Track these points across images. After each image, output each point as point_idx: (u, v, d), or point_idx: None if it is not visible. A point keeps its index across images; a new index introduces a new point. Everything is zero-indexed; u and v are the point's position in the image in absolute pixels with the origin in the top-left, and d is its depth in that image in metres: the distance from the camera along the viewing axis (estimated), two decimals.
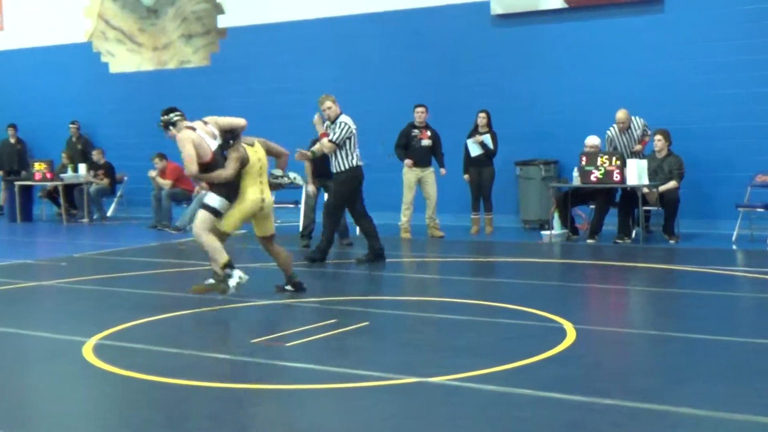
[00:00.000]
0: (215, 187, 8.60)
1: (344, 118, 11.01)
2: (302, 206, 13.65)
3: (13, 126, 19.35)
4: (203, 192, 15.25)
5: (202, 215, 8.56)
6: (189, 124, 8.68)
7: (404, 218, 13.72)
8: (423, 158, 13.65)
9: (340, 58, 16.27)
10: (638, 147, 13.00)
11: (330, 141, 10.90)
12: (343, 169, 11.02)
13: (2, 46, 20.23)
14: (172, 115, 8.83)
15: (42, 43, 19.58)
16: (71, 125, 18.81)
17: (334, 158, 11.05)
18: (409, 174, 13.65)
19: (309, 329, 7.37)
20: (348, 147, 10.95)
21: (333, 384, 5.76)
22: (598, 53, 14.28)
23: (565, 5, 14.35)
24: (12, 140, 19.44)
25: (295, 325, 7.57)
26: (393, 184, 14.24)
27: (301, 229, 13.20)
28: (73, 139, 18.97)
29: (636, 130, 13.05)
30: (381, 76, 15.93)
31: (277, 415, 5.27)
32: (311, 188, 12.88)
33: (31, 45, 19.74)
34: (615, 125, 13.12)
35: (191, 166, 8.42)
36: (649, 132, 13.05)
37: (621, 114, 13.02)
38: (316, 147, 11.35)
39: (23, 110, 19.49)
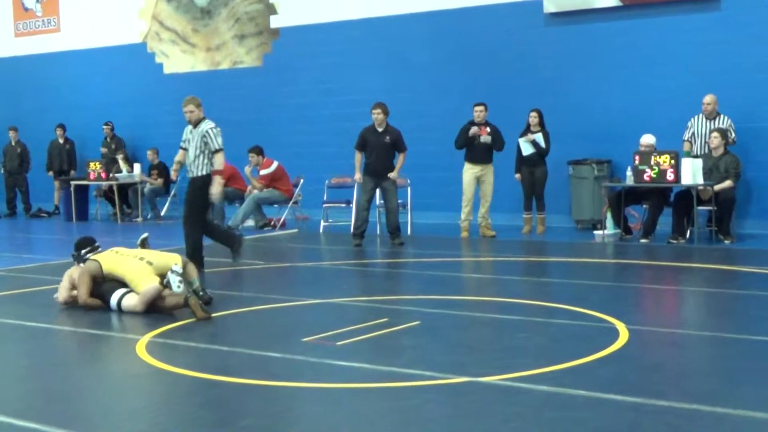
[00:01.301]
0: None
1: (211, 123, 10.66)
2: (354, 206, 13.66)
3: (62, 126, 19.59)
4: (255, 192, 15.42)
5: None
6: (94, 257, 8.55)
7: (464, 216, 13.63)
8: (482, 155, 13.53)
9: (391, 59, 16.25)
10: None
11: (217, 150, 10.51)
12: (200, 174, 10.64)
13: (59, 47, 20.48)
14: (83, 252, 8.71)
15: (97, 45, 19.81)
16: (105, 126, 19.02)
17: (195, 163, 10.58)
18: (469, 171, 13.56)
19: (360, 328, 7.36)
20: (207, 153, 10.58)
21: (384, 383, 5.74)
22: (652, 52, 14.11)
23: (619, 3, 14.19)
24: (60, 140, 19.69)
25: (346, 324, 7.55)
26: (452, 182, 14.22)
27: (352, 229, 13.21)
28: (108, 139, 19.28)
29: (721, 124, 12.83)
30: (431, 77, 15.88)
31: (327, 414, 5.26)
32: (358, 176, 12.88)
33: (87, 46, 19.98)
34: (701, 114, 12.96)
35: (81, 295, 8.34)
36: (733, 135, 12.81)
37: (707, 97, 12.84)
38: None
39: (79, 111, 19.73)
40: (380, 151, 12.86)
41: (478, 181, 13.56)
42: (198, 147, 10.57)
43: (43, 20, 20.71)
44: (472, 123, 13.53)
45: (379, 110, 12.81)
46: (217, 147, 10.52)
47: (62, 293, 8.55)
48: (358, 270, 11.42)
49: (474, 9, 15.47)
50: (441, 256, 11.60)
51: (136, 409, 5.56)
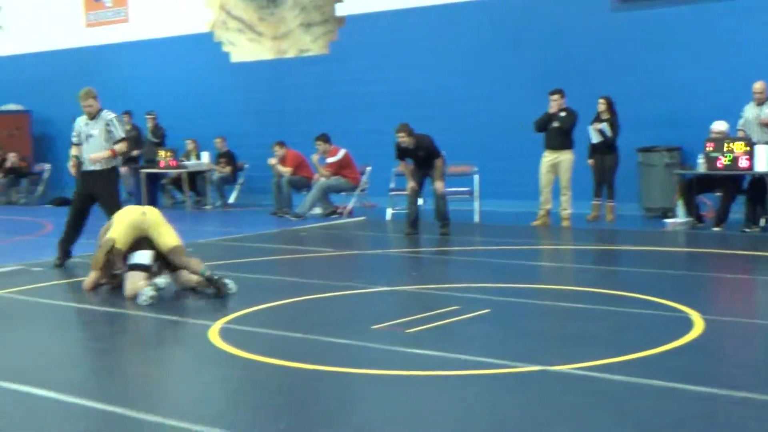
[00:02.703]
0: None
1: (112, 113, 10.69)
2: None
3: (128, 113, 19.81)
4: (323, 180, 15.48)
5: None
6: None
7: (541, 205, 13.52)
8: (557, 141, 13.34)
9: (457, 45, 16.18)
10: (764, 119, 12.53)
11: (122, 140, 10.49)
12: (110, 166, 10.62)
13: (127, 37, 20.74)
14: None
15: (165, 34, 20.02)
16: (147, 116, 19.18)
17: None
18: (544, 159, 13.43)
19: (430, 316, 7.34)
20: (112, 143, 10.52)
21: (455, 371, 5.72)
22: (722, 37, 13.86)
23: None
24: (127, 126, 19.91)
25: (416, 312, 7.55)
26: (520, 170, 14.14)
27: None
28: (151, 129, 19.54)
29: None
30: (496, 64, 15.78)
31: (399, 401, 5.26)
32: (412, 185, 12.86)
33: (155, 36, 20.20)
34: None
35: None
36: None
37: (758, 85, 12.61)
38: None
39: (147, 100, 19.92)
40: (418, 162, 12.93)
41: (556, 168, 13.41)
42: (103, 138, 10.51)
43: (112, 11, 20.98)
44: (549, 114, 13.30)
45: (402, 134, 12.69)
46: (122, 135, 10.54)
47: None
48: (427, 258, 11.42)
49: None
50: (510, 244, 11.53)
51: (209, 394, 5.63)
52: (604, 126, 13.55)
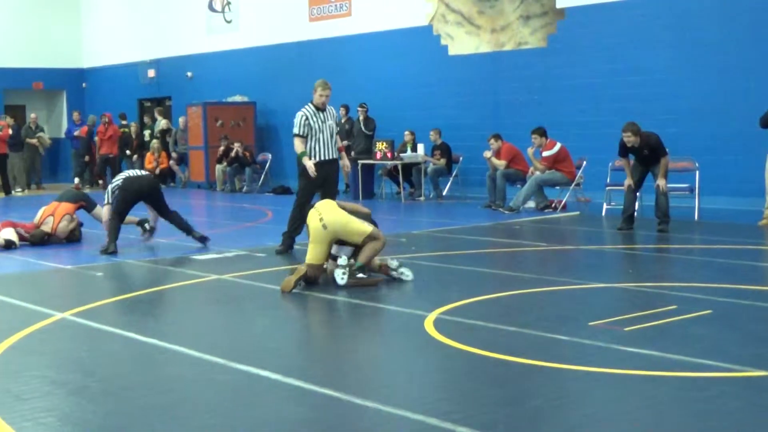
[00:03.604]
0: None
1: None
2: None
3: (345, 106, 20.28)
4: (537, 173, 15.36)
5: None
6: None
7: (766, 203, 12.85)
8: None
9: (680, 37, 15.65)
10: None
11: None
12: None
13: (350, 30, 21.22)
14: None
15: (386, 28, 20.37)
16: (359, 108, 19.50)
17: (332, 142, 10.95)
18: None
19: (648, 314, 7.17)
20: None
21: (675, 372, 5.56)
22: None
23: None
24: (342, 119, 20.44)
25: (633, 310, 7.39)
26: (746, 166, 13.57)
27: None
28: (362, 121, 19.98)
29: None
30: (722, 56, 15.11)
31: (618, 400, 5.17)
32: (629, 183, 12.69)
33: (376, 29, 20.59)
34: None
35: None
36: None
37: None
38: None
39: (369, 92, 20.35)
40: (642, 161, 12.67)
41: None
42: (334, 128, 10.96)
43: (335, 5, 21.51)
44: None
45: (629, 133, 12.33)
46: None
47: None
48: (643, 255, 11.15)
49: None
50: (732, 243, 11.10)
51: (426, 384, 5.70)
52: None
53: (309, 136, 10.72)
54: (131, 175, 11.89)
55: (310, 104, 10.79)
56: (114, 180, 11.99)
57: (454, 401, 5.20)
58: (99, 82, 29.23)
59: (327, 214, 8.78)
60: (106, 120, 24.59)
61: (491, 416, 4.86)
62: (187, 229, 11.66)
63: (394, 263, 8.99)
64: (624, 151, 12.69)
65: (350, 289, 8.48)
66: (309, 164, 10.59)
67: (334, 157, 10.92)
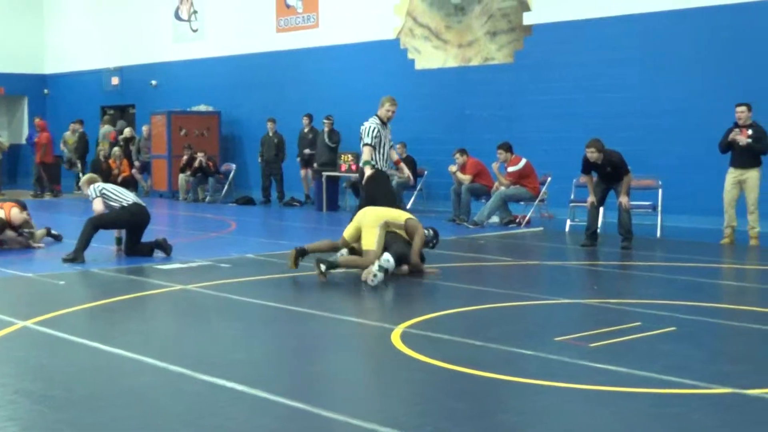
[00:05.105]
0: None
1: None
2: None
3: (309, 116, 20.30)
4: (502, 188, 15.42)
5: None
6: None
7: (726, 222, 13.00)
8: (744, 159, 12.85)
9: (649, 57, 15.80)
10: None
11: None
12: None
13: (316, 42, 21.22)
14: None
15: (353, 40, 20.40)
16: (325, 120, 19.51)
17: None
18: (729, 176, 12.98)
19: (613, 331, 7.22)
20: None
21: (641, 388, 5.59)
22: None
23: None
24: (306, 129, 20.42)
25: (598, 326, 7.43)
26: (711, 185, 13.69)
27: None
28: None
29: None
30: (692, 76, 15.27)
31: (584, 415, 5.18)
32: (592, 200, 12.85)
33: (344, 42, 20.60)
34: None
35: None
36: None
37: None
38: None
39: (335, 104, 20.34)
40: (605, 178, 12.83)
41: (742, 186, 12.93)
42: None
43: (303, 16, 21.51)
44: (736, 125, 12.94)
45: (592, 149, 12.58)
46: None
47: None
48: (607, 271, 11.21)
49: (740, 6, 14.75)
50: (696, 261, 11.20)
51: (393, 396, 5.69)
52: None
53: (376, 148, 11.45)
54: (139, 203, 11.69)
55: (376, 117, 11.50)
56: (116, 191, 11.73)
57: (423, 414, 5.18)
58: (62, 88, 29.01)
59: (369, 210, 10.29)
60: (40, 127, 24.12)
61: (459, 429, 4.85)
62: (150, 251, 11.62)
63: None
64: (587, 167, 12.81)
65: (318, 301, 8.44)
66: (369, 173, 11.30)
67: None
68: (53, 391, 5.61)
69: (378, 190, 11.38)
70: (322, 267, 9.60)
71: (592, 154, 12.55)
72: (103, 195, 11.42)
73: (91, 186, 11.62)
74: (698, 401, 5.36)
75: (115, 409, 5.26)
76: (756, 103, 13.02)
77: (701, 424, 4.98)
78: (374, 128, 11.38)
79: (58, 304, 8.42)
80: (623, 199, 12.53)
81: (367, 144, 11.35)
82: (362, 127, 11.54)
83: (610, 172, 12.67)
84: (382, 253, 9.62)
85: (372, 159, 11.33)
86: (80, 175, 21.94)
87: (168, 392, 5.62)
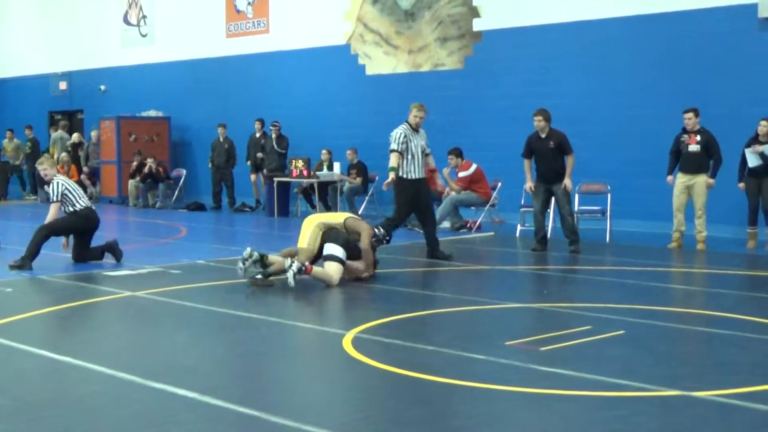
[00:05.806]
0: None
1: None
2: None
3: (260, 120, 20.23)
4: (453, 194, 15.48)
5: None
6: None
7: (674, 227, 13.16)
8: (691, 164, 13.04)
9: (595, 63, 15.96)
10: None
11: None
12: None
13: (267, 48, 21.16)
14: None
15: (304, 46, 20.37)
16: (272, 126, 19.47)
17: None
18: (678, 181, 13.13)
19: (563, 335, 7.29)
20: None
21: (591, 392, 5.65)
22: None
23: None
24: (257, 134, 20.32)
25: (549, 330, 7.49)
26: (657, 190, 13.85)
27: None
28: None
29: None
30: (636, 82, 15.47)
31: (535, 419, 5.23)
32: (529, 185, 12.97)
33: (294, 47, 20.57)
34: None
35: None
36: None
37: None
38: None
39: (286, 109, 20.30)
40: (546, 156, 12.75)
41: (689, 190, 13.09)
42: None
43: (253, 22, 21.45)
44: (685, 131, 13.09)
45: (540, 117, 12.69)
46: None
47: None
48: (557, 276, 11.31)
49: (683, 13, 14.98)
50: (644, 265, 11.33)
51: (345, 402, 5.70)
52: (767, 148, 12.98)
53: (403, 154, 11.46)
54: (90, 207, 11.58)
55: (406, 123, 11.61)
56: (76, 193, 11.56)
57: (375, 420, 5.20)
58: (8, 93, 28.61)
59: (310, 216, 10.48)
60: None
61: None
62: (100, 255, 11.53)
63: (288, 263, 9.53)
64: (528, 151, 12.87)
65: (268, 306, 8.42)
66: (389, 179, 11.54)
67: (423, 176, 11.74)
68: (1, 401, 5.54)
69: (397, 198, 11.65)
70: (259, 277, 9.65)
71: (539, 123, 12.64)
72: (63, 197, 11.27)
73: (56, 180, 11.40)
74: (644, 404, 5.43)
75: (64, 418, 5.21)
76: (701, 109, 13.19)
77: (643, 426, 5.04)
78: (402, 134, 11.51)
79: (7, 312, 8.32)
80: (567, 181, 12.59)
81: (393, 150, 11.50)
82: (391, 134, 11.72)
83: (552, 148, 12.64)
84: (323, 249, 9.87)
85: (397, 165, 11.43)
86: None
87: (118, 400, 5.58)
